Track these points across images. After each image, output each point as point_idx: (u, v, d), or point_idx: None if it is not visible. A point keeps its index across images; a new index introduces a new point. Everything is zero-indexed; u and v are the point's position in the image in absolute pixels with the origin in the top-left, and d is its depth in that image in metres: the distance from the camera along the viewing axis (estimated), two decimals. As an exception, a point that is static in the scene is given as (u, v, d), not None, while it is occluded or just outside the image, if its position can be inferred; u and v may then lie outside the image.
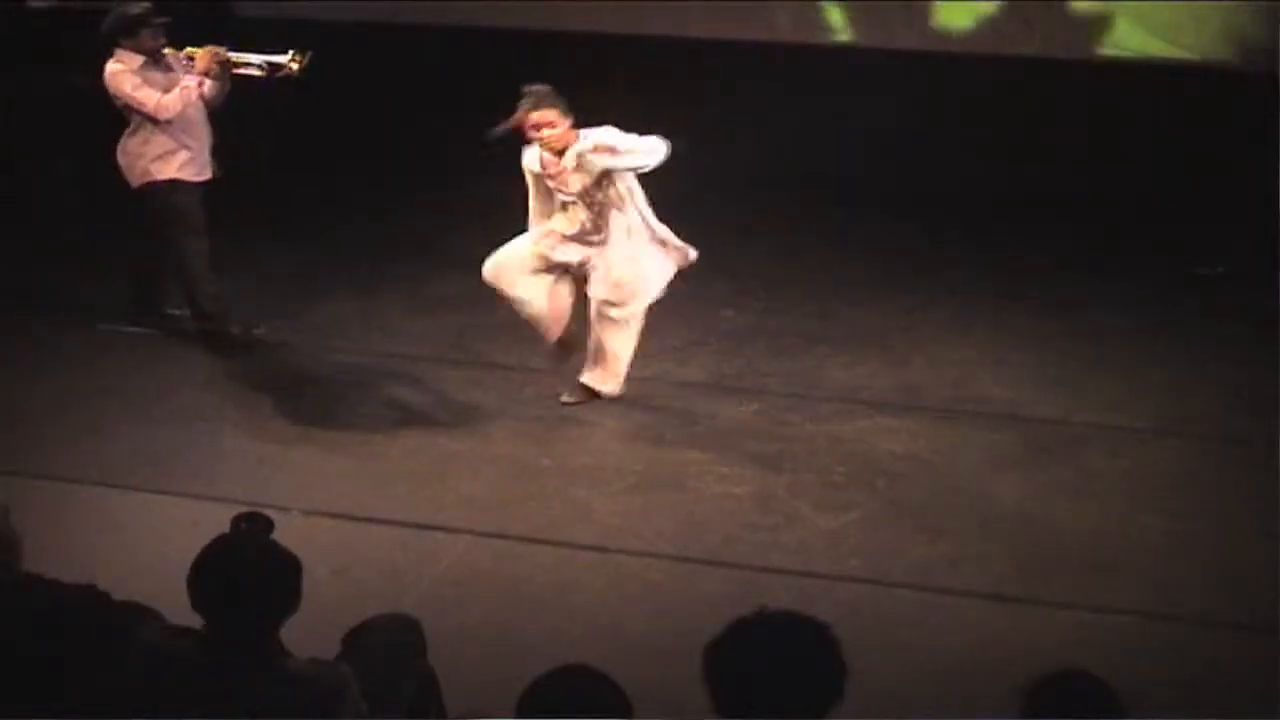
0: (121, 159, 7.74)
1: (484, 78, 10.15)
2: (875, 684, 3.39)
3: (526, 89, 7.00)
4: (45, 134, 10.22)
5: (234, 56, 7.61)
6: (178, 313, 8.13)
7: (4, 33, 10.27)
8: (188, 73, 7.61)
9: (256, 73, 7.63)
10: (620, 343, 7.22)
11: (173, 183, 7.68)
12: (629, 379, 7.34)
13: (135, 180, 7.73)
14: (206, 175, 7.79)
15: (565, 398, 7.34)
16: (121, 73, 7.57)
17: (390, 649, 4.26)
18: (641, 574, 5.97)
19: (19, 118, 10.08)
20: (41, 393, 7.49)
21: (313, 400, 7.45)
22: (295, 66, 7.54)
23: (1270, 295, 8.10)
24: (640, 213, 7.10)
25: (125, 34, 7.58)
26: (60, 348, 7.99)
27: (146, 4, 7.65)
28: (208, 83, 7.62)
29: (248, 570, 3.65)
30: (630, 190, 7.05)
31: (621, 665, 3.50)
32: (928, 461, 6.82)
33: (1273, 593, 5.61)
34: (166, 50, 7.66)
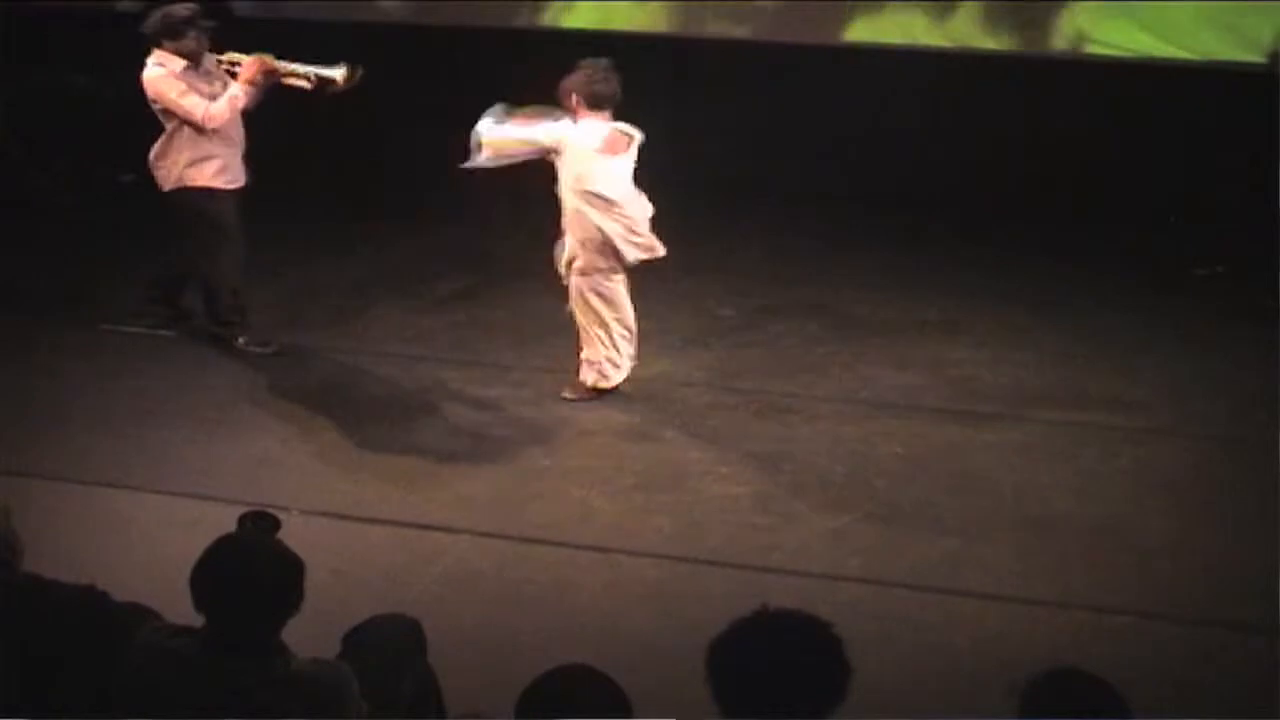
0: (155, 162, 7.63)
1: (485, 77, 10.16)
2: (875, 684, 3.39)
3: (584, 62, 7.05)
4: (45, 134, 10.23)
5: (281, 66, 7.53)
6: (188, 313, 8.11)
7: (4, 33, 10.27)
8: (228, 79, 7.53)
9: (304, 84, 7.54)
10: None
11: (208, 190, 7.59)
12: (627, 378, 7.37)
13: (168, 184, 7.62)
14: (241, 183, 7.70)
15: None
16: (164, 77, 7.46)
17: (390, 649, 4.26)
18: (641, 574, 5.97)
19: (19, 118, 10.10)
20: (41, 393, 7.49)
21: (313, 400, 7.44)
22: (343, 81, 7.47)
23: (1270, 295, 8.10)
24: None
25: (170, 36, 7.47)
26: (61, 348, 7.99)
27: (194, 5, 7.55)
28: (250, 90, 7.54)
29: (251, 570, 3.64)
30: None
31: (621, 665, 3.50)
32: (928, 461, 6.82)
33: (1273, 593, 5.61)
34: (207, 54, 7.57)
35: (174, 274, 8.09)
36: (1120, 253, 9.31)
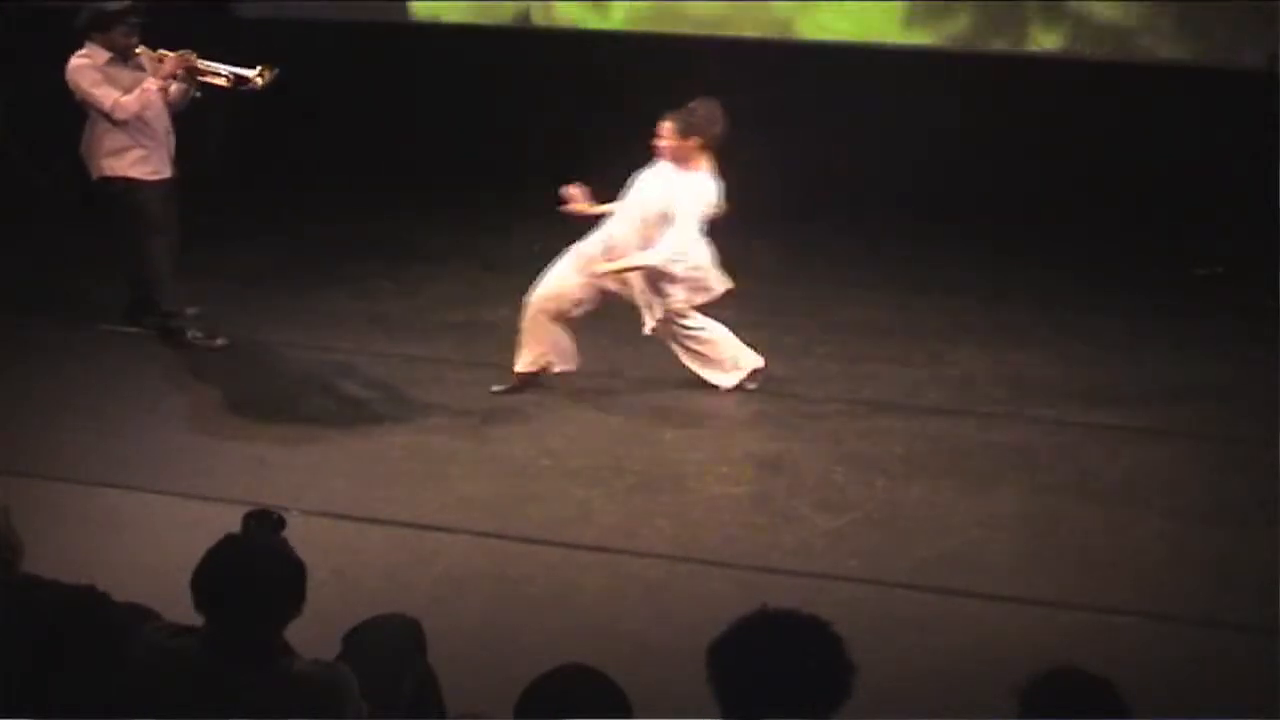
0: (82, 152, 7.75)
1: (482, 77, 10.17)
2: (875, 684, 3.39)
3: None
4: (45, 134, 10.23)
5: (201, 64, 7.63)
6: (191, 311, 8.11)
7: (4, 33, 10.27)
8: (155, 73, 7.62)
9: (222, 82, 7.66)
10: None
11: (128, 180, 7.66)
12: (627, 378, 7.37)
13: (94, 173, 7.75)
14: (165, 175, 7.76)
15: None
16: (83, 67, 7.56)
17: (390, 649, 4.26)
18: (641, 574, 5.97)
19: (19, 118, 10.09)
20: (41, 393, 7.49)
21: (312, 400, 7.45)
22: (260, 82, 7.59)
23: (1269, 295, 8.10)
24: None
25: (99, 29, 7.58)
26: (60, 348, 8.00)
27: (125, 2, 7.64)
28: (173, 85, 7.64)
29: (252, 572, 3.64)
30: None
31: (621, 665, 3.50)
32: (928, 461, 6.82)
33: (1273, 593, 5.61)
34: (139, 49, 7.65)
35: (142, 273, 8.10)
36: (1120, 252, 9.31)
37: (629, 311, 7.69)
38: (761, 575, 5.90)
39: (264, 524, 3.79)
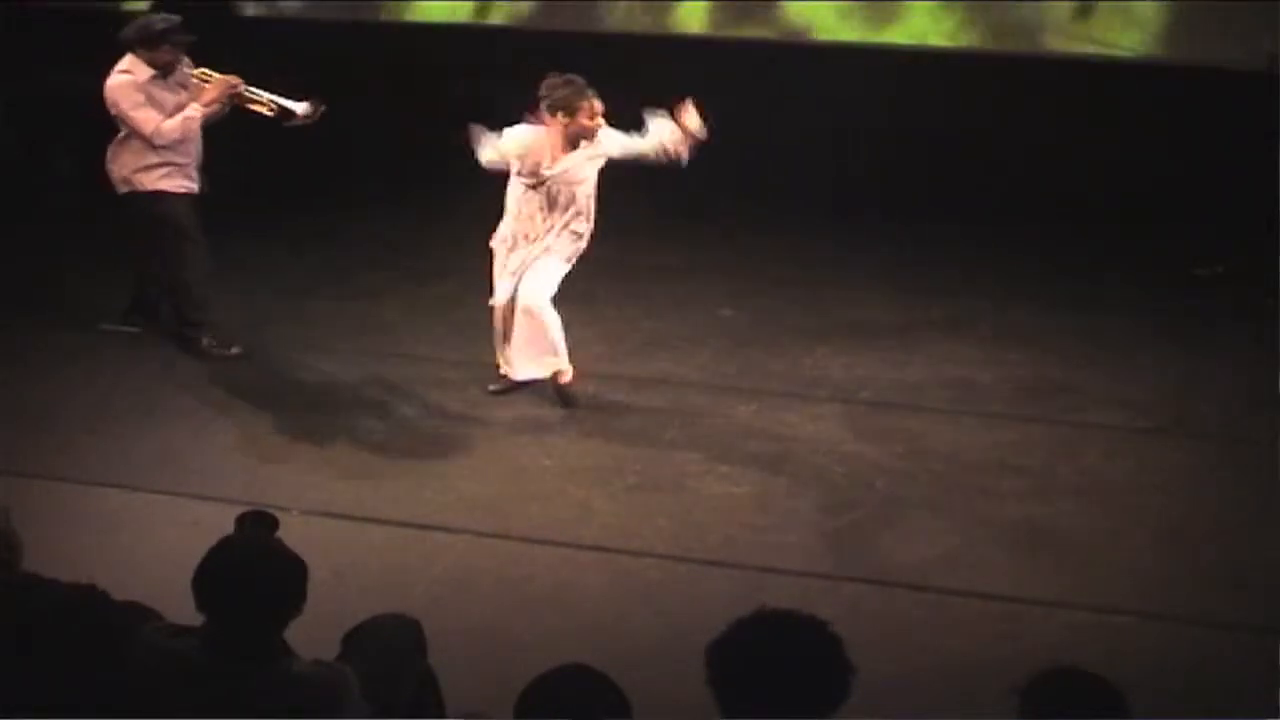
0: (108, 166, 7.69)
1: (479, 77, 10.17)
2: (875, 684, 3.39)
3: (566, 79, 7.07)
4: (46, 133, 10.24)
5: (248, 92, 7.57)
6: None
7: (4, 33, 10.27)
8: (196, 92, 7.55)
9: (266, 112, 7.59)
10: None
11: (157, 194, 7.61)
12: (627, 378, 7.38)
13: (120, 187, 7.68)
14: (193, 189, 7.71)
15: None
16: (125, 85, 7.48)
17: (390, 649, 4.26)
18: (641, 574, 5.97)
19: (19, 117, 10.11)
20: (41, 393, 7.49)
21: (312, 400, 7.45)
22: (303, 115, 7.52)
23: (1269, 295, 8.09)
24: None
25: (144, 45, 7.49)
26: (60, 348, 7.99)
27: (173, 18, 7.58)
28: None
29: (254, 573, 3.64)
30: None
31: (621, 665, 3.50)
32: (928, 461, 6.82)
33: (1273, 593, 5.61)
34: (188, 67, 7.59)
35: (143, 279, 8.08)
36: (1120, 253, 9.31)
37: (622, 311, 7.72)
38: (761, 575, 5.90)
39: (258, 524, 3.79)
